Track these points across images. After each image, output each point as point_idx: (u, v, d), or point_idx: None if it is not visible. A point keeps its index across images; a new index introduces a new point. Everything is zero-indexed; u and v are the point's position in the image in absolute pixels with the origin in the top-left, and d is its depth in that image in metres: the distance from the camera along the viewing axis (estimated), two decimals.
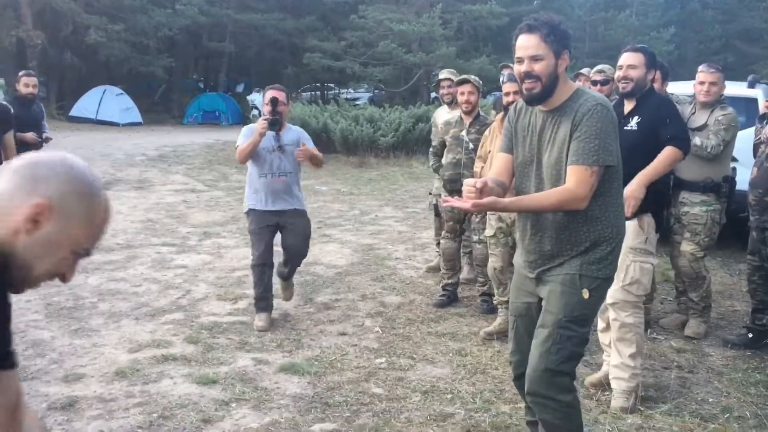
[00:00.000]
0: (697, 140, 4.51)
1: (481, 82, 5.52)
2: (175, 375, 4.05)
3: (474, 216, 5.32)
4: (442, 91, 6.22)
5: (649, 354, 4.44)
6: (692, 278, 4.77)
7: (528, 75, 2.57)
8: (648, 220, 3.67)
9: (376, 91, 29.00)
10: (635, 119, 3.73)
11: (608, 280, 2.70)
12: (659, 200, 3.77)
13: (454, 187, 5.21)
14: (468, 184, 2.56)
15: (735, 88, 7.50)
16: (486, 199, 2.51)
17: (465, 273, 6.01)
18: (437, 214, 6.02)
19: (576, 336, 2.63)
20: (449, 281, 5.51)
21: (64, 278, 1.41)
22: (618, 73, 3.79)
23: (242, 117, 26.10)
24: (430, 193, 7.16)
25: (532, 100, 2.66)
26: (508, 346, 3.13)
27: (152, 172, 12.30)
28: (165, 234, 7.73)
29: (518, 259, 2.90)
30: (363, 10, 25.08)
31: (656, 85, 4.23)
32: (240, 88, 35.62)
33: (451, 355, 4.45)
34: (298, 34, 28.60)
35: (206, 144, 17.58)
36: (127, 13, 24.79)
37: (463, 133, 5.30)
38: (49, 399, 3.72)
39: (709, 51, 29.70)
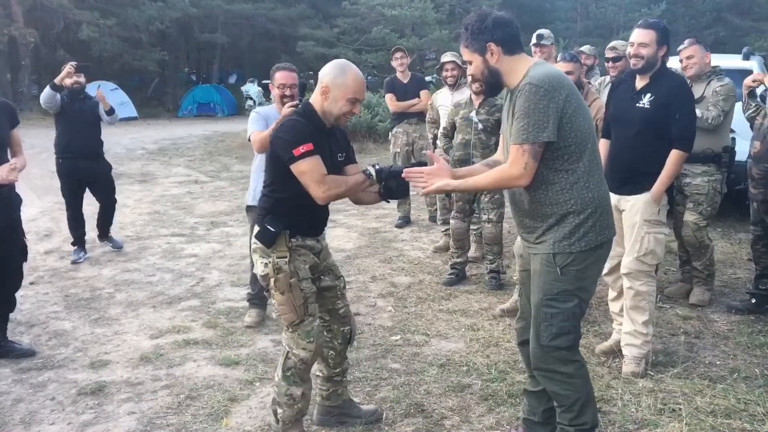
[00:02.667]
0: (697, 111, 4.59)
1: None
2: (198, 358, 4.17)
3: (483, 196, 5.45)
4: (445, 74, 6.31)
5: (656, 322, 4.55)
6: (696, 247, 4.89)
7: (473, 78, 2.94)
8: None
9: (370, 77, 29.02)
10: (647, 96, 3.80)
11: (584, 252, 2.68)
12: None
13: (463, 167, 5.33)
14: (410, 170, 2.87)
15: (730, 61, 7.61)
16: (436, 183, 2.75)
17: (472, 251, 6.14)
18: (447, 195, 6.13)
19: (560, 312, 2.72)
20: (458, 260, 5.63)
21: (349, 115, 2.99)
22: (629, 50, 3.87)
23: (237, 108, 26.15)
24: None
25: (487, 93, 2.90)
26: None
27: (154, 165, 12.38)
28: (173, 225, 7.83)
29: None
30: None
31: (573, 77, 4.39)
32: (233, 79, 35.64)
33: (463, 330, 4.58)
34: (290, 22, 28.61)
35: (204, 136, 17.66)
36: (119, 8, 24.80)
37: (473, 113, 5.40)
38: (78, 385, 3.83)
39: (700, 26, 29.71)
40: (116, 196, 6.72)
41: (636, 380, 3.72)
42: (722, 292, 5.21)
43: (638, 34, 3.80)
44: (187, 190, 10.09)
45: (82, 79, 6.39)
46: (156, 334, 4.58)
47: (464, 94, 5.95)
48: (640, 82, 3.87)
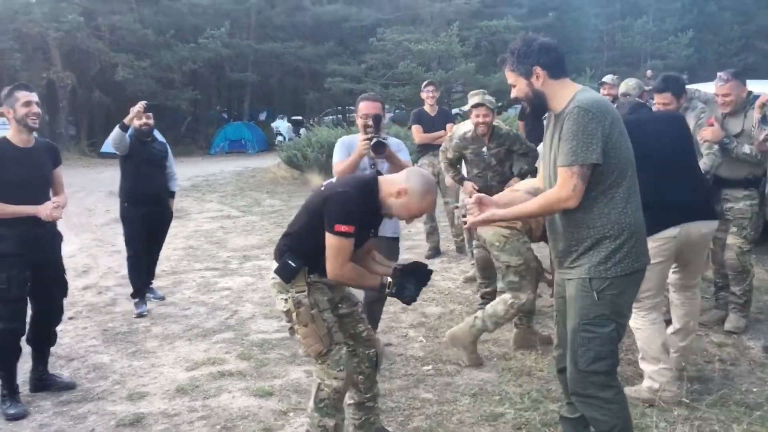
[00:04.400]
0: (746, 148, 4.59)
1: (494, 102, 5.70)
2: (233, 389, 4.23)
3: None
4: (475, 120, 6.34)
5: (682, 353, 4.53)
6: (737, 272, 4.85)
7: (515, 99, 2.94)
8: None
9: (397, 110, 29.34)
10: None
11: (620, 278, 2.72)
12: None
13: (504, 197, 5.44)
14: (466, 203, 2.97)
15: (763, 87, 7.57)
16: (483, 214, 2.82)
17: (470, 273, 6.20)
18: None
19: (598, 336, 2.74)
20: (487, 289, 5.64)
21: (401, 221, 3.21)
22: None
23: (267, 143, 26.55)
24: (457, 207, 7.34)
25: (532, 115, 2.98)
26: (554, 338, 3.27)
27: (187, 201, 12.61)
28: (206, 259, 7.97)
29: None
30: (381, 32, 25.53)
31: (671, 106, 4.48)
32: (263, 116, 36.19)
33: (495, 359, 4.58)
34: (318, 59, 29.09)
35: (236, 172, 17.94)
36: (152, 50, 25.44)
37: (484, 149, 5.51)
38: (116, 417, 3.92)
39: (728, 53, 29.59)
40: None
41: (671, 408, 3.68)
42: (757, 319, 5.14)
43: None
44: (219, 225, 10.26)
45: (151, 120, 6.10)
46: (191, 366, 4.66)
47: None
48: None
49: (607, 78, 6.67)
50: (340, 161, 4.26)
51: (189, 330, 5.46)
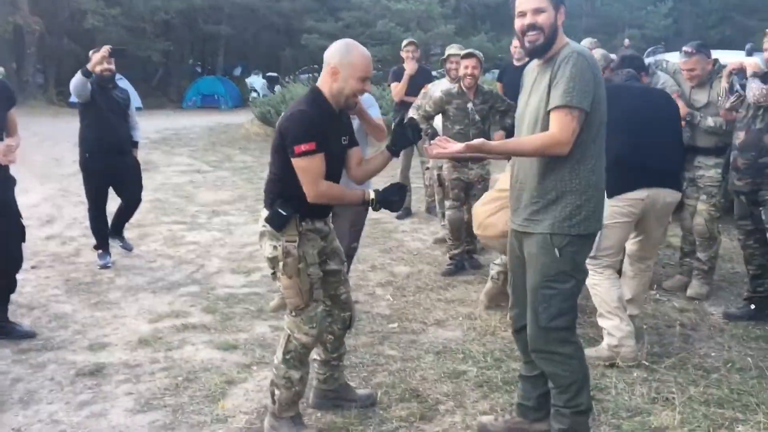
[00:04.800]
0: (710, 121, 4.65)
1: (483, 56, 5.64)
2: (196, 342, 4.20)
3: (477, 183, 5.50)
4: (449, 66, 6.31)
5: (652, 314, 4.60)
6: (705, 238, 4.90)
7: (532, 27, 2.69)
8: None
9: (374, 71, 29.00)
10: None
11: (583, 237, 2.72)
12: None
13: (461, 159, 5.36)
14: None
15: (733, 57, 7.60)
16: (475, 141, 2.70)
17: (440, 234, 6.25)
18: (441, 184, 6.14)
19: (559, 293, 2.73)
20: (456, 251, 5.65)
21: (360, 93, 2.99)
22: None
23: (241, 100, 26.16)
24: (428, 168, 7.30)
25: (534, 52, 2.77)
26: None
27: (156, 154, 12.40)
28: (174, 213, 7.86)
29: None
30: None
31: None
32: (238, 72, 35.59)
33: (461, 319, 4.60)
34: (295, 15, 28.58)
35: (208, 126, 17.69)
36: None
37: (470, 105, 5.43)
38: (76, 366, 3.86)
39: (706, 24, 29.65)
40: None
41: (630, 369, 3.74)
42: (720, 287, 5.22)
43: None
44: (188, 179, 10.12)
45: (112, 65, 5.69)
46: (155, 318, 4.60)
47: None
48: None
49: (586, 41, 6.60)
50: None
51: (153, 282, 5.40)
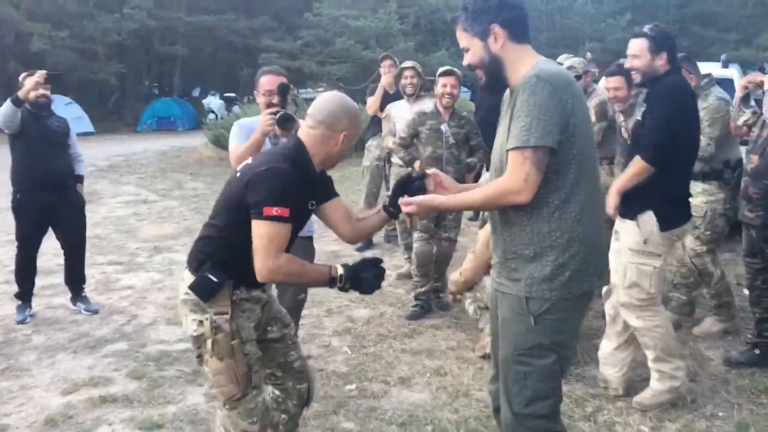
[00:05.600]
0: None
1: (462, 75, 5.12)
2: (114, 420, 3.51)
3: (449, 213, 4.95)
4: (404, 81, 5.77)
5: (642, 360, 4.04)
6: (696, 275, 4.40)
7: (470, 67, 2.32)
8: (647, 218, 3.27)
9: (334, 89, 28.54)
10: (641, 110, 3.42)
11: (564, 301, 2.17)
12: (667, 194, 3.32)
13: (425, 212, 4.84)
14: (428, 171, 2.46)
15: (709, 69, 7.18)
16: (421, 198, 2.31)
17: (407, 269, 5.66)
18: (409, 214, 5.55)
19: (535, 370, 2.19)
20: (422, 289, 5.06)
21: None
22: (627, 64, 3.54)
23: (198, 121, 25.39)
24: (388, 196, 6.72)
25: (488, 89, 2.38)
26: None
27: (102, 184, 11.62)
28: (112, 251, 7.13)
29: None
30: (317, 7, 24.56)
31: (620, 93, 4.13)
32: (196, 92, 34.84)
33: (428, 375, 3.99)
34: (252, 34, 27.97)
35: (160, 151, 16.91)
36: (73, 20, 23.91)
37: (444, 126, 4.89)
38: None
39: None
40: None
41: None
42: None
43: (631, 46, 3.40)
44: (133, 211, 9.36)
45: (47, 91, 5.06)
46: (70, 388, 3.90)
47: (424, 105, 5.42)
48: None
49: (562, 57, 6.14)
50: (236, 145, 3.55)
51: (76, 339, 4.69)
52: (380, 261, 2.50)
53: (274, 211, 2.25)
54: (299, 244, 3.49)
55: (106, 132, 23.82)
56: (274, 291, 2.69)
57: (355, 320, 4.97)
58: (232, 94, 28.97)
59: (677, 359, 3.47)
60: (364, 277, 2.41)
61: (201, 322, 2.39)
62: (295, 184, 2.30)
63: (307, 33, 25.43)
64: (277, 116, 3.33)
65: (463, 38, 2.24)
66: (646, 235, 3.27)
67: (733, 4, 30.67)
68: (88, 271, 6.12)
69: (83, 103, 24.36)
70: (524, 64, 2.17)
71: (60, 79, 5.07)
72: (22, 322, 5.00)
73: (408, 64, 5.92)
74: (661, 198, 3.27)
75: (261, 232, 2.27)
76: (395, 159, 5.88)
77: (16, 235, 5.20)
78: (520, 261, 2.20)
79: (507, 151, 2.10)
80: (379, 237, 7.32)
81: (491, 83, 2.27)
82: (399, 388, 3.84)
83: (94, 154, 16.14)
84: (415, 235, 5.07)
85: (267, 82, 3.52)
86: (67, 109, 23.08)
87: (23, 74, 5.10)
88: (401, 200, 2.30)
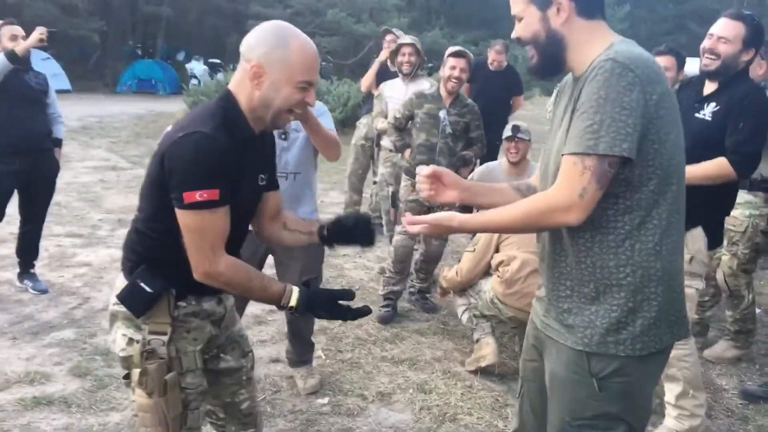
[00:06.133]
0: None
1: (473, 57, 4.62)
2: (45, 429, 3.02)
3: (440, 209, 4.47)
4: (401, 59, 5.26)
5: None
6: (728, 295, 3.98)
7: (519, 42, 1.77)
8: (696, 234, 2.82)
9: (323, 63, 27.77)
10: (711, 106, 2.88)
11: (639, 359, 1.65)
12: (720, 208, 2.89)
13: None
14: (420, 173, 1.89)
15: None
16: (435, 216, 1.74)
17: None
18: (394, 205, 5.08)
19: None
20: (395, 288, 4.60)
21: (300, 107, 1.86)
22: (704, 43, 2.91)
23: (180, 86, 24.64)
24: (375, 182, 6.25)
25: (536, 73, 1.82)
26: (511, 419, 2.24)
27: (71, 146, 10.93)
28: (72, 221, 6.58)
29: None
30: None
31: (670, 74, 3.39)
32: (181, 56, 33.88)
33: (411, 391, 3.54)
34: (242, 0, 27.12)
35: (137, 115, 16.22)
36: None
37: (443, 112, 4.40)
38: None
39: (661, 31, 29.46)
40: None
41: None
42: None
43: (721, 26, 2.85)
44: (100, 178, 8.78)
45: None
46: (0, 384, 3.40)
47: (421, 86, 4.93)
48: (708, 88, 2.94)
49: None
50: None
51: (18, 323, 4.18)
52: (350, 296, 1.96)
53: (198, 195, 1.71)
54: (310, 251, 3.00)
55: (84, 91, 22.97)
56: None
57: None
58: (217, 60, 28.14)
59: (702, 394, 3.06)
60: (318, 313, 1.92)
61: (131, 341, 1.88)
62: (222, 153, 1.73)
63: (298, 2, 24.72)
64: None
65: (516, 3, 1.73)
66: (692, 253, 2.81)
67: (731, 3, 30.36)
68: (43, 243, 5.56)
69: (63, 60, 23.48)
70: (594, 46, 1.65)
71: (53, 35, 4.49)
72: None
73: (406, 39, 5.40)
74: (715, 212, 2.82)
75: (187, 225, 1.76)
76: (385, 142, 5.40)
77: None
78: (576, 302, 1.70)
79: (563, 155, 1.60)
80: None
81: (544, 66, 1.75)
82: (377, 405, 3.38)
83: (68, 114, 15.30)
84: (397, 227, 4.60)
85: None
86: (45, 65, 22.21)
87: (1, 22, 4.55)
88: (408, 218, 1.77)
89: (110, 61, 28.72)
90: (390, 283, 4.60)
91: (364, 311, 1.93)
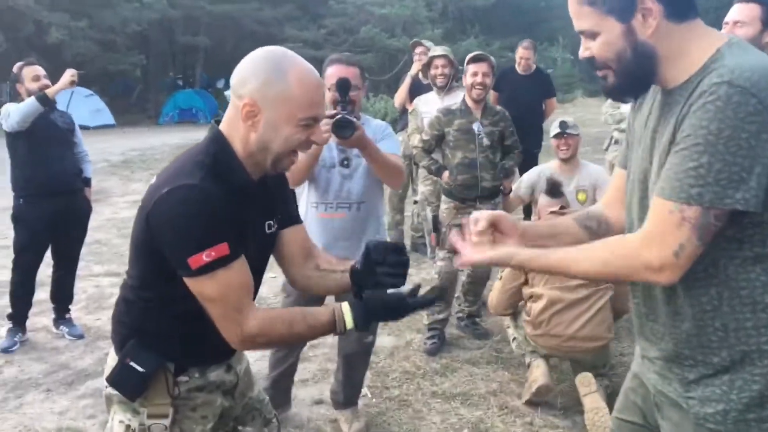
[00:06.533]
0: None
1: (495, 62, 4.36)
2: None
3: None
4: (434, 71, 5.03)
5: None
6: None
7: (590, 62, 1.44)
8: None
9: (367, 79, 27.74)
10: None
11: None
12: None
13: (468, 196, 4.12)
14: (471, 222, 1.58)
15: None
16: (496, 252, 1.51)
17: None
18: (435, 229, 4.81)
19: None
20: (440, 316, 4.29)
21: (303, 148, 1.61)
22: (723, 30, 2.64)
23: (218, 114, 24.89)
24: (415, 201, 6.00)
25: (615, 95, 1.50)
26: None
27: (112, 181, 11.03)
28: (111, 259, 6.48)
29: (636, 347, 1.66)
30: None
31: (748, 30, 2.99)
32: (221, 84, 34.35)
33: (466, 431, 3.25)
34: (276, 24, 27.35)
35: (177, 145, 16.30)
36: (91, 9, 23.38)
37: (476, 125, 4.13)
38: None
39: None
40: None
41: None
42: None
43: (736, 11, 2.64)
44: None
45: (48, 81, 4.36)
46: None
47: (457, 98, 4.68)
48: None
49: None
50: None
51: (52, 373, 4.03)
52: (402, 257, 1.72)
53: (204, 256, 1.47)
54: None
55: (127, 125, 23.39)
56: (249, 360, 1.86)
57: (377, 351, 4.21)
58: None
59: None
60: (381, 320, 1.72)
61: (128, 427, 1.64)
62: (218, 204, 1.49)
63: (332, 21, 24.79)
64: (333, 121, 2.60)
65: (587, 17, 1.39)
66: None
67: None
68: (81, 285, 5.49)
69: (107, 95, 23.99)
70: (692, 55, 1.33)
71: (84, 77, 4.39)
72: (8, 350, 4.34)
73: (438, 51, 5.16)
74: None
75: (204, 293, 1.52)
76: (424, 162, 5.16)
77: (14, 247, 4.54)
78: (702, 371, 1.38)
79: (655, 196, 1.30)
80: (406, 244, 6.57)
81: (628, 86, 1.42)
82: None
83: (110, 149, 15.63)
84: (440, 253, 4.32)
85: (331, 74, 2.83)
86: (88, 101, 22.79)
87: (18, 64, 4.49)
88: (462, 260, 1.53)
89: (152, 94, 29.27)
90: (434, 312, 4.32)
91: (429, 300, 1.66)
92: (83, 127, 21.36)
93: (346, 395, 3.32)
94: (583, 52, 1.43)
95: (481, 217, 1.55)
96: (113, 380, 1.63)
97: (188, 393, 1.66)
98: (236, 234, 1.53)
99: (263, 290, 5.25)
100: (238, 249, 1.52)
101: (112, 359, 1.68)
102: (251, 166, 1.59)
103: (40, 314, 4.94)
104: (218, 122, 1.65)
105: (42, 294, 5.23)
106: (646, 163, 1.39)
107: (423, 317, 4.48)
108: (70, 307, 4.75)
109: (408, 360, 4.08)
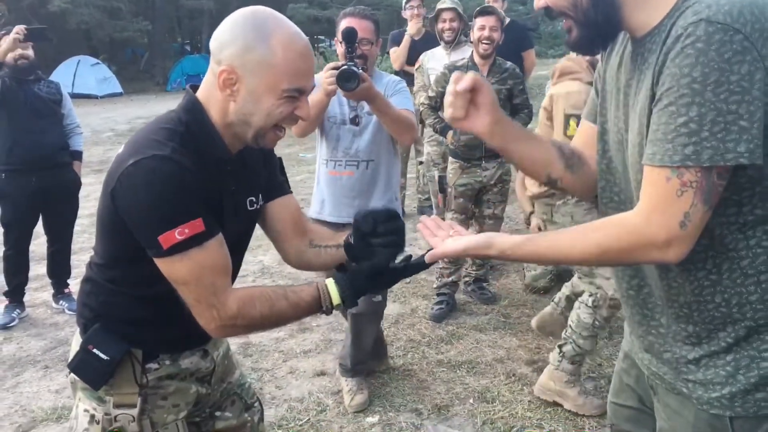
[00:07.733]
0: None
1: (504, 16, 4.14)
2: None
3: (492, 187, 4.08)
4: (441, 25, 4.83)
5: None
6: None
7: (547, 12, 1.27)
8: None
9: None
10: None
11: None
12: None
13: (472, 157, 3.95)
14: (453, 80, 1.35)
15: None
16: (472, 240, 1.29)
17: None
18: (441, 190, 4.64)
19: None
20: (449, 279, 4.17)
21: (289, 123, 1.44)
22: None
23: None
24: (421, 162, 5.82)
25: (579, 48, 1.31)
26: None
27: (116, 151, 10.87)
28: None
29: (626, 325, 1.52)
30: None
31: None
32: None
33: (472, 401, 3.14)
34: None
35: None
36: None
37: None
38: None
39: None
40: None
41: None
42: None
43: None
44: None
45: (29, 51, 4.17)
46: (25, 425, 3.16)
47: (465, 53, 4.47)
48: None
49: None
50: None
51: (51, 349, 3.96)
52: (394, 224, 1.51)
53: (177, 234, 1.31)
54: None
55: (135, 92, 23.20)
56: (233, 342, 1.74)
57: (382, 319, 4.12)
58: None
59: None
60: (372, 291, 1.53)
61: (93, 417, 1.51)
62: (191, 177, 1.34)
63: None
64: (338, 72, 2.49)
65: None
66: None
67: None
68: (80, 258, 5.39)
69: (116, 64, 23.75)
70: (656, 5, 1.16)
71: (45, 33, 4.17)
72: (6, 326, 4.27)
73: (446, 3, 4.92)
74: None
75: (176, 275, 1.37)
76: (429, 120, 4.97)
77: (1, 221, 4.46)
78: (706, 350, 1.24)
79: (644, 165, 1.13)
80: (411, 208, 6.42)
81: (590, 37, 1.25)
82: (433, 421, 3.00)
83: (116, 117, 15.52)
84: (448, 215, 4.17)
85: (344, 24, 2.76)
86: (94, 70, 22.61)
87: None
88: (431, 253, 1.34)
89: (159, 60, 28.97)
90: (443, 274, 4.18)
91: (421, 265, 1.43)
92: (91, 97, 21.23)
93: (354, 360, 3.20)
94: (538, 2, 1.25)
95: (465, 77, 1.34)
96: (75, 367, 1.50)
97: (158, 381, 1.53)
98: (212, 210, 1.39)
99: (266, 259, 5.19)
100: (214, 226, 1.37)
101: (76, 342, 1.56)
102: (230, 138, 1.44)
103: (40, 289, 4.88)
104: (195, 88, 1.48)
105: (41, 269, 5.16)
106: (621, 122, 1.23)
107: (433, 281, 4.36)
108: (68, 281, 4.66)
109: (413, 328, 3.96)
